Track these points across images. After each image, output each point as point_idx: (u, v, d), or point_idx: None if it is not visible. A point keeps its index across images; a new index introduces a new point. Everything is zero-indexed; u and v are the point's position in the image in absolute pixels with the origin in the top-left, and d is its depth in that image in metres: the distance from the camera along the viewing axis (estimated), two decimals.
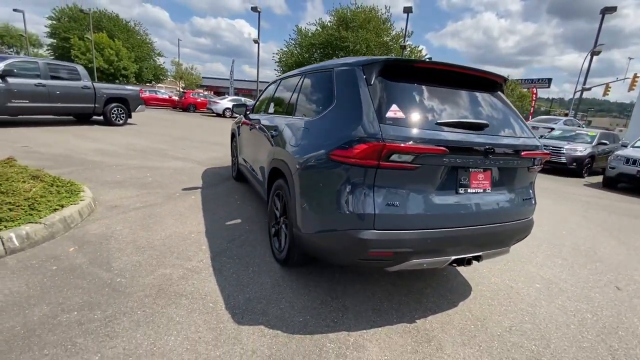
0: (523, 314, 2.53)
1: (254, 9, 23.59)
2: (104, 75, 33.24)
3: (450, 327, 2.30)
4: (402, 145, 1.83)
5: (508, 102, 2.51)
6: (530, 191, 2.51)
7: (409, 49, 37.75)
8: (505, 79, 2.50)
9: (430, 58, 37.85)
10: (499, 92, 2.52)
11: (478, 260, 2.26)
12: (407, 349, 2.05)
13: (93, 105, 10.42)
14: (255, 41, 28.64)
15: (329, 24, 38.16)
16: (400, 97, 2.02)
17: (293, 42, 38.33)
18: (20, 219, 2.89)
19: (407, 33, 37.88)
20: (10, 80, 8.22)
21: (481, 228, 2.17)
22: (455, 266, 2.23)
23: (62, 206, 3.32)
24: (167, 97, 28.51)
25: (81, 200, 3.58)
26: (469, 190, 2.13)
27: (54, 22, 36.21)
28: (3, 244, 2.62)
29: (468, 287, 2.88)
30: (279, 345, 1.97)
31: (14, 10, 34.44)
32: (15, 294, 2.19)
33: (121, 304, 2.19)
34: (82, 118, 11.39)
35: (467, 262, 2.20)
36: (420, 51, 37.86)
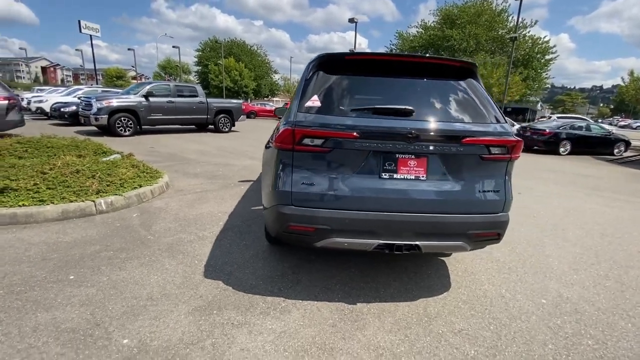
0: (490, 324, 2.26)
1: (351, 20, 24.58)
2: (229, 93, 40.12)
3: (388, 316, 2.29)
4: (310, 130, 2.03)
5: (477, 88, 2.31)
6: (497, 184, 2.23)
7: (529, 39, 32.65)
8: (469, 64, 2.32)
9: (554, 48, 31.68)
10: (470, 79, 2.34)
11: (418, 251, 2.18)
12: (328, 322, 2.19)
13: (206, 116, 13.01)
14: (351, 50, 29.71)
15: (432, 25, 36.31)
16: (327, 88, 2.20)
17: (394, 47, 37.99)
18: (110, 192, 4.17)
19: (530, 23, 32.81)
20: (151, 99, 11.15)
21: (414, 216, 2.11)
22: (387, 252, 2.20)
23: (140, 186, 4.56)
24: (273, 108, 32.37)
25: (155, 183, 4.81)
26: (395, 176, 2.11)
27: (200, 52, 45.79)
28: (95, 207, 3.88)
29: (445, 288, 2.69)
30: (221, 295, 2.41)
31: (173, 47, 45.20)
32: (86, 237, 3.28)
33: (139, 252, 3.02)
34: (200, 127, 14.28)
35: (403, 249, 2.17)
36: (547, 42, 32.20)
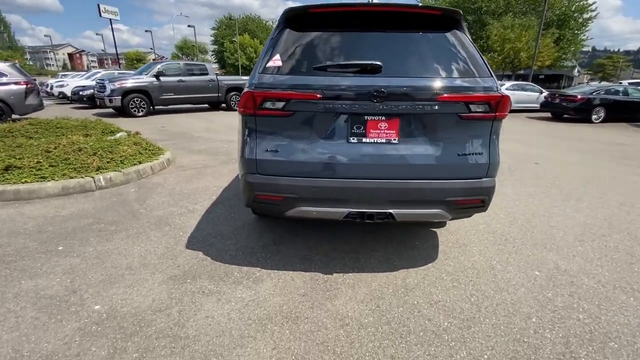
0: (472, 296, 2.13)
1: None
2: (245, 71, 39.81)
3: (362, 286, 2.22)
4: (270, 92, 1.90)
5: (461, 39, 2.05)
6: (480, 145, 2.02)
7: None
8: (452, 12, 2.05)
9: (593, 5, 28.47)
10: (455, 30, 2.08)
11: (392, 220, 2.06)
12: (299, 292, 2.15)
13: (217, 94, 12.98)
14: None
15: None
16: (292, 46, 2.03)
17: None
18: (110, 169, 4.27)
19: None
20: (162, 78, 11.22)
21: (385, 183, 1.97)
22: (359, 221, 2.09)
23: (140, 162, 4.64)
24: None
25: (156, 160, 4.88)
26: (365, 140, 1.96)
27: (215, 30, 45.35)
28: (95, 183, 3.99)
29: (431, 259, 2.56)
30: (198, 265, 2.42)
31: (188, 26, 45.04)
32: (82, 211, 3.39)
33: (129, 225, 3.09)
34: (213, 106, 14.30)
35: (375, 218, 2.05)
36: None
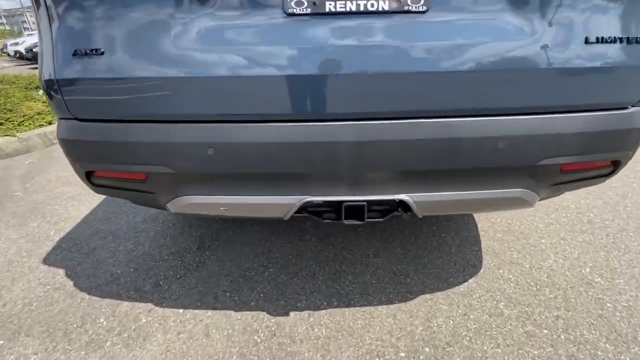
0: None
1: None
2: None
3: (346, 344, 1.10)
4: None
5: None
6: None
7: None
8: None
9: None
10: None
11: (406, 213, 0.89)
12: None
13: None
14: None
15: None
16: None
17: None
18: (1, 133, 3.06)
19: None
20: None
21: (391, 126, 0.76)
22: (329, 221, 0.92)
23: (51, 123, 3.40)
24: None
25: None
26: (332, 7, 0.72)
27: None
28: None
29: (473, 269, 1.43)
30: (43, 301, 1.30)
31: None
32: None
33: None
34: None
35: (365, 213, 0.87)
36: None
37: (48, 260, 1.56)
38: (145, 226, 1.79)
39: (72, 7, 0.77)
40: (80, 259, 1.56)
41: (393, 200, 0.85)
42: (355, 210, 0.86)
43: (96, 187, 0.98)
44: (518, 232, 1.66)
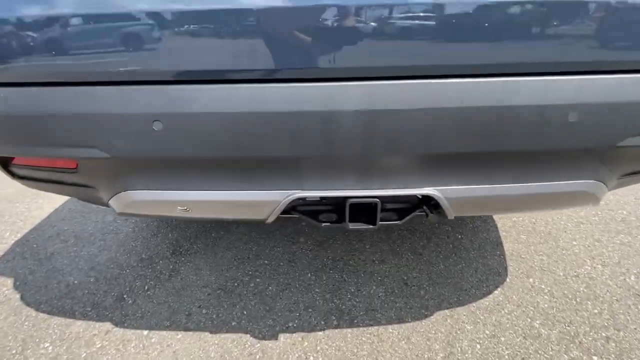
0: None
1: None
2: None
3: None
4: None
5: None
6: None
7: None
8: None
9: None
10: None
11: (433, 214, 0.67)
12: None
13: None
14: None
15: None
16: None
17: None
18: None
19: None
20: None
21: (424, 88, 0.53)
22: (330, 224, 0.69)
23: None
24: None
25: None
26: None
27: None
28: None
29: (496, 277, 1.21)
30: None
31: None
32: None
33: None
34: None
35: (377, 213, 0.64)
36: None
37: (2, 266, 1.32)
38: (115, 227, 1.55)
39: None
40: (34, 266, 1.32)
41: (415, 196, 0.62)
42: (363, 210, 0.63)
43: (20, 178, 0.74)
44: (545, 233, 1.44)
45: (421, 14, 0.51)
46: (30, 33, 0.54)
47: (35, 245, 1.45)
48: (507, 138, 0.57)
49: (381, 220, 0.65)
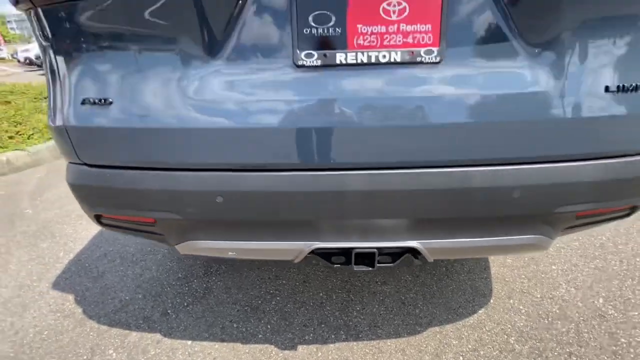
0: None
1: None
2: None
3: None
4: None
5: None
6: None
7: None
8: None
9: None
10: None
11: (416, 259, 0.88)
12: None
13: None
14: None
15: None
16: None
17: None
18: (11, 147, 3.10)
19: None
20: None
21: (405, 176, 0.75)
22: (338, 266, 0.91)
23: None
24: None
25: None
26: (342, 59, 0.70)
27: None
28: None
29: (481, 299, 1.41)
30: (53, 330, 1.31)
31: None
32: None
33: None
34: None
35: (375, 259, 0.86)
36: None
37: (58, 285, 1.57)
38: (153, 248, 1.80)
39: (80, 58, 0.78)
40: (89, 283, 1.57)
41: (403, 247, 0.84)
42: (365, 257, 0.85)
43: (105, 226, 0.99)
44: (529, 258, 1.64)
45: (401, 134, 0.74)
46: (133, 137, 0.78)
47: (87, 265, 1.71)
48: (469, 208, 0.79)
49: (378, 263, 0.88)
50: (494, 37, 0.70)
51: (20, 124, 3.46)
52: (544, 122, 0.73)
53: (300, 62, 0.71)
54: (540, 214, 0.81)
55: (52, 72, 0.82)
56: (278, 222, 0.85)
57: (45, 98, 4.83)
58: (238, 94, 0.75)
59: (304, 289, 1.48)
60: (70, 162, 0.88)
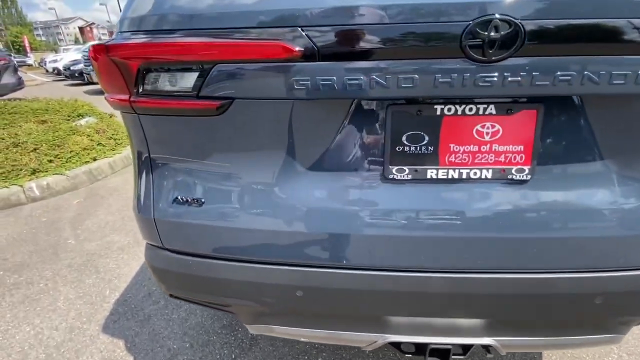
0: None
1: None
2: None
3: None
4: (158, 42, 0.67)
5: None
6: None
7: None
8: None
9: None
10: None
11: (489, 353, 0.87)
12: None
13: None
14: None
15: None
16: None
17: None
18: (51, 171, 3.23)
19: None
20: None
21: (485, 281, 0.75)
22: (409, 356, 0.91)
23: (95, 159, 3.55)
24: None
25: (118, 154, 3.78)
26: (433, 175, 0.73)
27: None
28: (25, 193, 2.96)
29: None
30: None
31: None
32: None
33: (39, 271, 2.03)
34: None
35: (450, 356, 0.86)
36: None
37: (107, 328, 1.62)
38: None
39: (178, 162, 0.82)
40: (137, 328, 1.61)
41: (479, 344, 0.84)
42: (439, 352, 0.86)
43: (177, 298, 1.02)
44: None
45: (488, 243, 0.74)
46: (219, 234, 0.81)
47: (133, 306, 1.75)
48: (550, 312, 0.78)
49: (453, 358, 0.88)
50: (583, 156, 0.71)
51: (59, 146, 3.59)
52: (629, 237, 0.72)
53: (391, 176, 0.73)
54: (620, 317, 0.80)
55: (144, 170, 0.85)
56: (356, 316, 0.86)
57: (78, 116, 5.03)
58: (328, 202, 0.77)
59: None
60: (150, 245, 0.92)
